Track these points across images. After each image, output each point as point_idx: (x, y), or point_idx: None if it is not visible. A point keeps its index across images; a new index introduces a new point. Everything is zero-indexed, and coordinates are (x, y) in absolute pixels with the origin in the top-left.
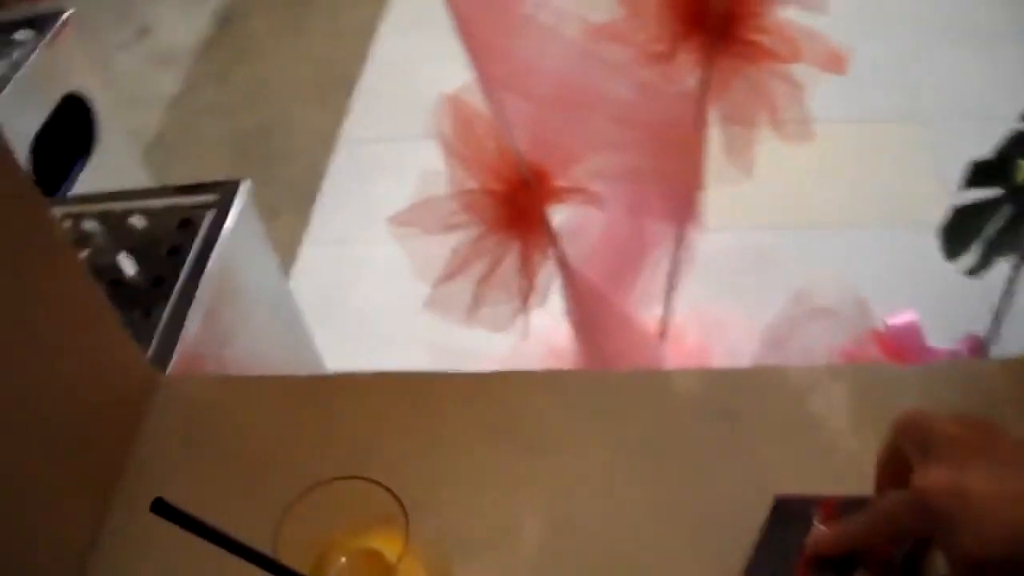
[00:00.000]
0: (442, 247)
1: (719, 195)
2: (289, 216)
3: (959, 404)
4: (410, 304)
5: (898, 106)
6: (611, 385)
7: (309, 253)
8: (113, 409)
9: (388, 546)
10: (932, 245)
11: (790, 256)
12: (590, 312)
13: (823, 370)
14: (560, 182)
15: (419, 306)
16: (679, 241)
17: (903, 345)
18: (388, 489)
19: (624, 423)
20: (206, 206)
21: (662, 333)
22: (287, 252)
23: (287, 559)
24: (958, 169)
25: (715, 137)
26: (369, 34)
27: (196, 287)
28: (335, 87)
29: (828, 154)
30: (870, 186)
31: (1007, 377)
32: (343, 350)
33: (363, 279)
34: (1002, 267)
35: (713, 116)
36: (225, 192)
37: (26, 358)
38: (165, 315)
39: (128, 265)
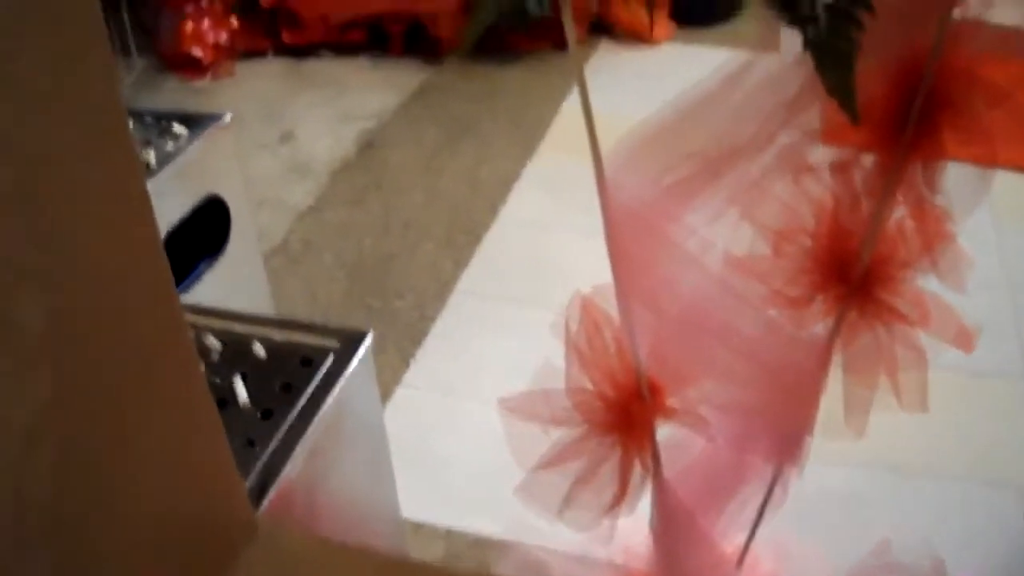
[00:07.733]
0: (542, 434)
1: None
2: (392, 352)
3: None
4: (489, 467)
5: (1010, 364)
6: None
7: (404, 395)
8: (207, 543)
9: None
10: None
11: (879, 500)
12: (674, 527)
13: None
14: (672, 401)
15: (496, 470)
16: (775, 479)
17: None
18: None
19: None
20: (328, 349)
21: (740, 561)
22: (384, 389)
23: None
24: None
25: (833, 391)
26: (506, 189)
27: (306, 429)
28: (463, 234)
29: (934, 402)
30: (971, 440)
31: None
32: (420, 499)
33: (453, 432)
34: None
35: (834, 369)
36: (349, 340)
37: (130, 470)
38: (269, 450)
39: (242, 391)
